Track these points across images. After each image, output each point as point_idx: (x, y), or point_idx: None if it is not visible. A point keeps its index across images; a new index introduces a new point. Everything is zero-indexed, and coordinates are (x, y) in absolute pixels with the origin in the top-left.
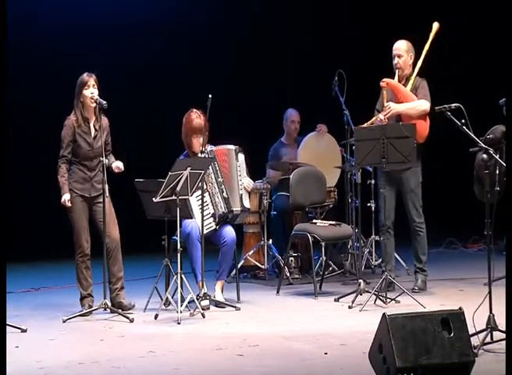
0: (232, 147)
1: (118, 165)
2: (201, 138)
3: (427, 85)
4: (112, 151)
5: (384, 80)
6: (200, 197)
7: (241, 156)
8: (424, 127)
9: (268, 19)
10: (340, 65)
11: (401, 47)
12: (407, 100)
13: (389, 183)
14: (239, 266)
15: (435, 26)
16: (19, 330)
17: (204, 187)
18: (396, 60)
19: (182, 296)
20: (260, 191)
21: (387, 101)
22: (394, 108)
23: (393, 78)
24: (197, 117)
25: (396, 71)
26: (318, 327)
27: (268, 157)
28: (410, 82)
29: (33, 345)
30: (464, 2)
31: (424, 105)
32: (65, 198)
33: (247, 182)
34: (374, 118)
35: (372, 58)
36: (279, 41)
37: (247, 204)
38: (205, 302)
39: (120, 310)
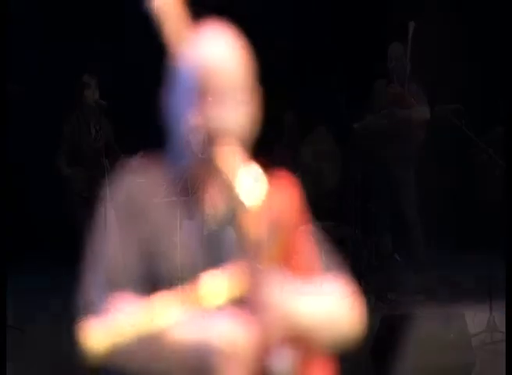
0: None
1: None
2: None
3: (418, 88)
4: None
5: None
6: None
7: None
8: None
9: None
10: (340, 65)
11: (397, 50)
12: None
13: (390, 183)
14: None
15: (411, 26)
16: (19, 331)
17: None
18: (393, 63)
19: None
20: None
21: (389, 104)
22: None
23: (389, 81)
24: None
25: (394, 75)
26: None
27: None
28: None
29: (33, 346)
30: (464, 2)
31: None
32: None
33: None
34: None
35: (372, 58)
36: (278, 41)
37: None
38: None
39: None
